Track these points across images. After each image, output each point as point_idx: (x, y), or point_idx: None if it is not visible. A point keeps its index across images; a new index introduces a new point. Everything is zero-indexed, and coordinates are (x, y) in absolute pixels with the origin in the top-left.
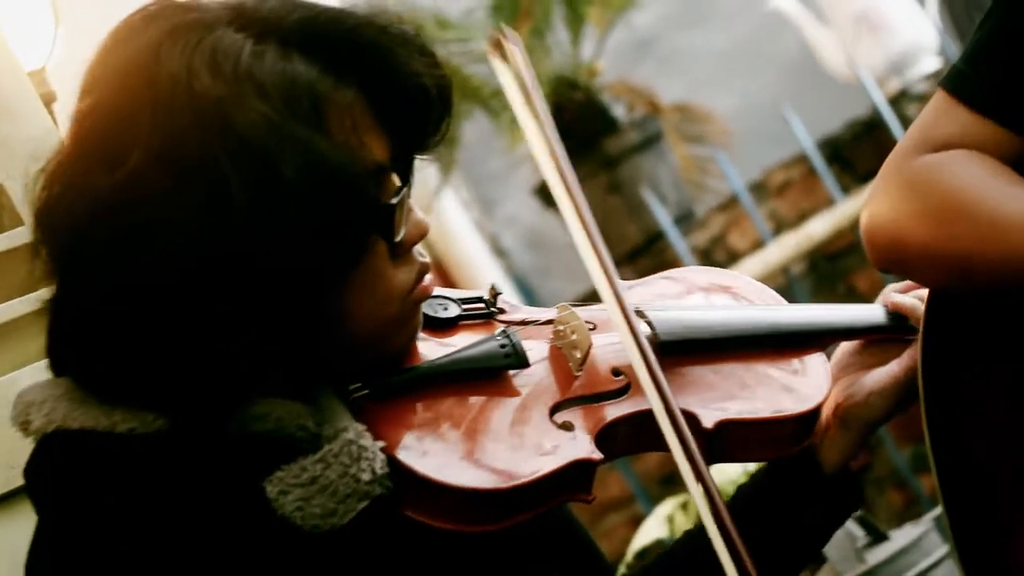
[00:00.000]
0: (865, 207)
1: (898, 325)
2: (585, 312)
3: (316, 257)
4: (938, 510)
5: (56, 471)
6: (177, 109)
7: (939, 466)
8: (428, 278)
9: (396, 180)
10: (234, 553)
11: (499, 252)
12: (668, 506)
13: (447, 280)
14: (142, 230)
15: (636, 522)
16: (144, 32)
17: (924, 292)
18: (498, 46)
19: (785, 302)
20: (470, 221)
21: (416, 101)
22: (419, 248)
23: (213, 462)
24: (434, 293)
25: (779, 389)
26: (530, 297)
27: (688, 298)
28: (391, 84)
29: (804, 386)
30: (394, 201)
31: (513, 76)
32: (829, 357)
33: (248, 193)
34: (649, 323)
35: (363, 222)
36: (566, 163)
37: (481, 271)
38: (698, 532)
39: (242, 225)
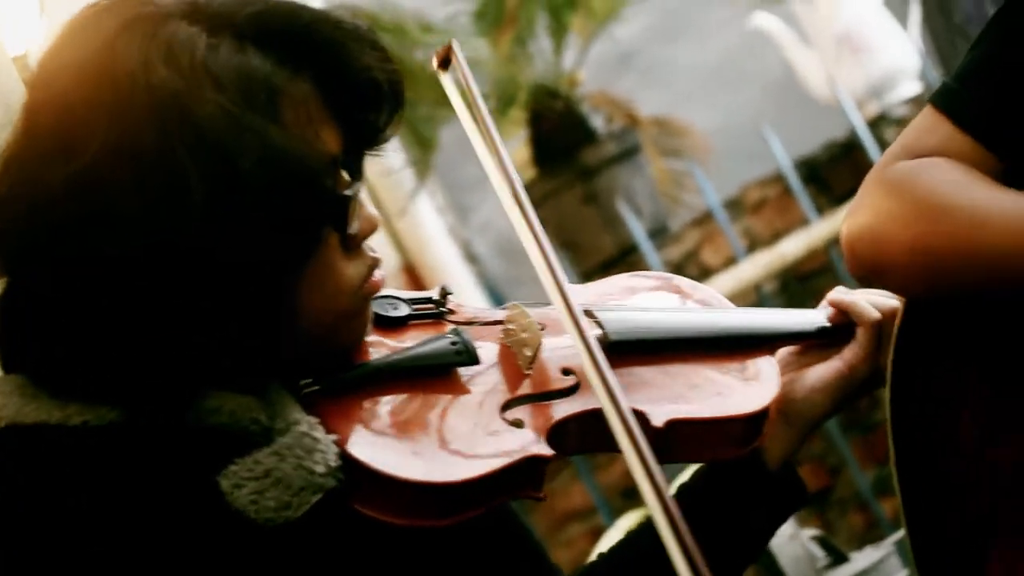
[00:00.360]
0: (846, 218)
1: (844, 326)
2: (536, 312)
3: (274, 248)
4: (899, 534)
5: (7, 466)
6: (134, 102)
7: (903, 484)
8: (379, 273)
9: (347, 174)
10: (188, 547)
11: (471, 258)
12: (630, 519)
13: (418, 284)
14: (99, 221)
15: (597, 534)
16: (99, 25)
17: (869, 294)
18: (445, 60)
19: (733, 306)
20: (444, 226)
21: (368, 95)
22: (369, 243)
23: (167, 455)
24: (384, 293)
25: (728, 390)
26: (500, 304)
27: (639, 300)
28: (344, 78)
29: (753, 387)
30: (348, 193)
31: (458, 88)
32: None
33: (207, 185)
34: (599, 323)
35: (319, 213)
36: (513, 170)
37: (453, 277)
38: (641, 532)
39: (200, 216)
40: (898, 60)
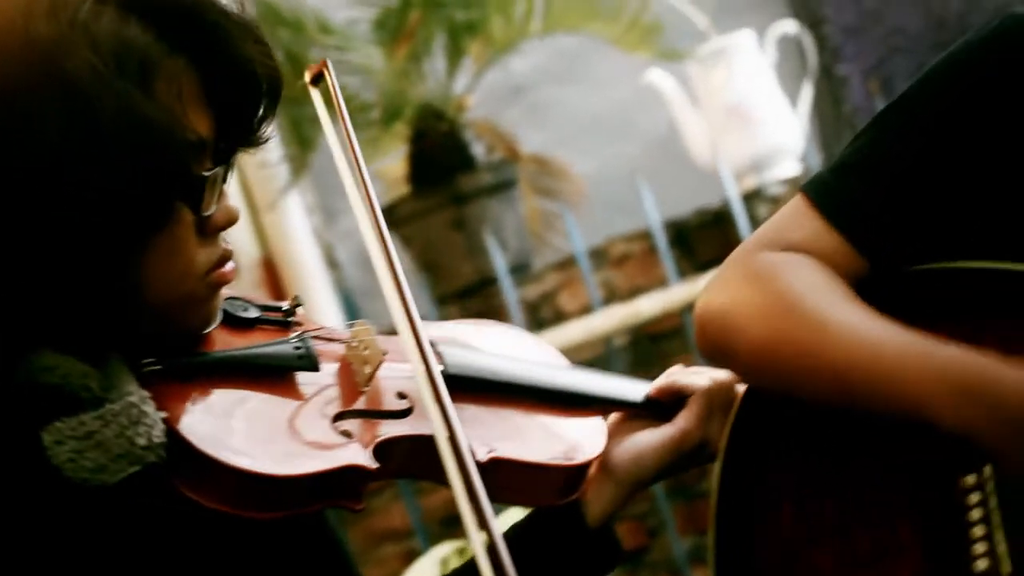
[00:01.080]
0: (703, 293)
1: (675, 401)
2: (383, 337)
3: (120, 211)
4: None
5: None
6: (9, 48)
7: (718, 565)
8: (230, 265)
9: (213, 162)
10: (2, 495)
11: (332, 264)
12: (445, 548)
13: (275, 280)
14: None
15: (411, 557)
16: None
17: (707, 373)
18: (317, 76)
19: (572, 367)
20: (310, 227)
21: (245, 86)
22: (225, 236)
23: None
24: (236, 295)
25: (553, 440)
26: (353, 314)
27: (484, 345)
28: (223, 65)
29: (579, 441)
30: (206, 174)
31: (326, 104)
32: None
33: (62, 132)
34: (440, 355)
35: (170, 184)
36: (375, 195)
37: (311, 279)
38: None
39: (50, 159)
40: (783, 139)
